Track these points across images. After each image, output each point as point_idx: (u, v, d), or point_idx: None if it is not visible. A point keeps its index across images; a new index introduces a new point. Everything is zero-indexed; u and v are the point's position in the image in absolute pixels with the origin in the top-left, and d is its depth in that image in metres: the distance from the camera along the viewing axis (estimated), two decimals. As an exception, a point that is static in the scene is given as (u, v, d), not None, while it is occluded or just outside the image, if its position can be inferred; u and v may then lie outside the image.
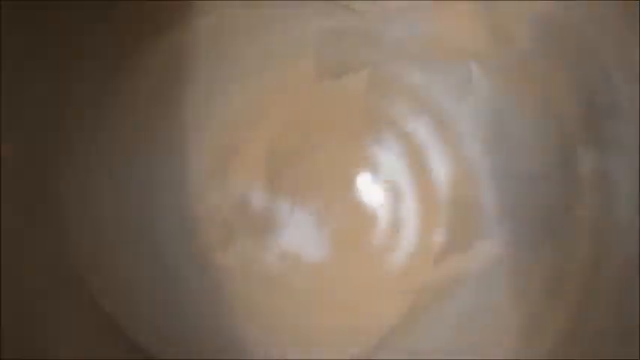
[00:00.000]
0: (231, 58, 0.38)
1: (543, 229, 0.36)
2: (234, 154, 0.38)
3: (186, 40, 0.37)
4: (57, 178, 0.36)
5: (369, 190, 0.38)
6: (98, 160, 0.37)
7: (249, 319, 0.37)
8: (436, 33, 0.37)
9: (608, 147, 0.34)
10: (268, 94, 0.38)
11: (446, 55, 0.37)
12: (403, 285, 0.37)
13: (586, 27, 0.34)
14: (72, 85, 0.36)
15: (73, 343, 0.34)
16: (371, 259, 0.37)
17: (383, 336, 0.37)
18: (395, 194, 0.38)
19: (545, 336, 0.35)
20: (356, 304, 0.37)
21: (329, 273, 0.37)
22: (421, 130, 0.38)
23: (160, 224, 0.37)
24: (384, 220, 0.38)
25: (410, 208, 0.38)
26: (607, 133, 0.34)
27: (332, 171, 0.38)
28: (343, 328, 0.37)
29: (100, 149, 0.37)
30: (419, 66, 0.38)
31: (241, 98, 0.38)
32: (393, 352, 0.37)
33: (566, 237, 0.36)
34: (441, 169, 0.38)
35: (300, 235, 0.37)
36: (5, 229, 0.33)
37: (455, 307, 0.37)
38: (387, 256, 0.37)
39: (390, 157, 0.38)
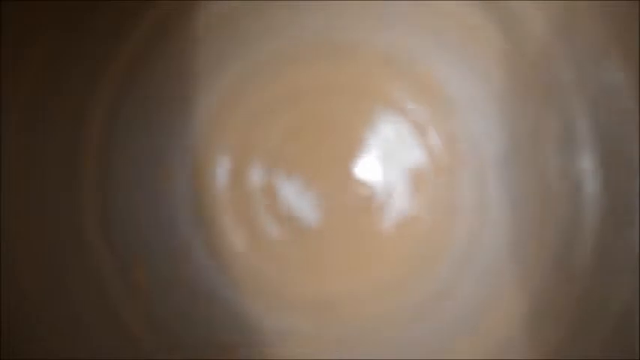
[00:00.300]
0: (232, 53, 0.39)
1: (547, 219, 0.37)
2: (233, 133, 0.39)
3: (190, 38, 0.38)
4: (70, 177, 0.37)
5: (364, 163, 0.39)
6: (103, 160, 0.38)
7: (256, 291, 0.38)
8: (443, 28, 0.38)
9: (612, 145, 0.35)
10: (260, 75, 0.39)
11: (450, 45, 0.38)
12: (395, 252, 0.39)
13: (592, 27, 0.35)
14: (88, 90, 0.37)
15: (78, 343, 0.35)
16: (364, 227, 0.39)
17: (377, 300, 0.38)
18: (388, 167, 0.39)
19: (551, 323, 0.36)
20: (351, 269, 0.39)
21: (324, 239, 0.39)
22: (418, 111, 0.39)
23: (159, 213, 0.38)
24: (378, 193, 0.39)
25: (403, 184, 0.39)
26: (612, 132, 0.35)
27: (328, 146, 0.39)
28: (341, 292, 0.39)
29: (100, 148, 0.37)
30: (424, 49, 0.39)
31: (235, 80, 0.39)
32: (387, 318, 0.38)
33: (569, 225, 0.36)
34: (438, 150, 0.39)
35: (296, 205, 0.39)
36: (6, 227, 0.34)
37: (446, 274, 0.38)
38: (379, 225, 0.39)
39: (386, 132, 0.39)
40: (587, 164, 0.36)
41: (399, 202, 0.39)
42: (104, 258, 0.37)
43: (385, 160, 0.39)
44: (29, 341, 0.33)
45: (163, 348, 0.37)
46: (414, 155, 0.39)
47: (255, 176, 0.39)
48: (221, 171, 0.39)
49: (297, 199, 0.39)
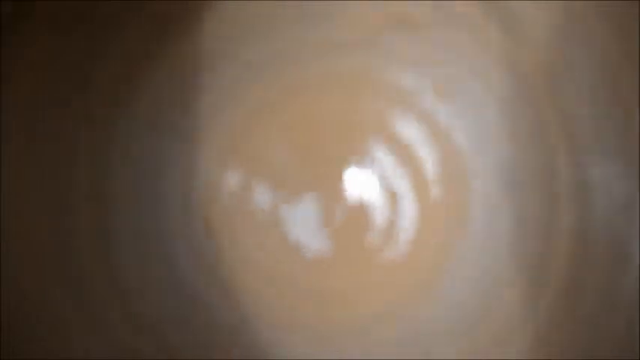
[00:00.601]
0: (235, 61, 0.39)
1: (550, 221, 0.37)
2: (237, 152, 0.39)
3: (196, 46, 0.39)
4: (71, 177, 0.37)
5: (365, 185, 0.39)
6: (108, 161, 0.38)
7: (256, 313, 0.39)
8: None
9: (613, 144, 0.36)
10: (269, 98, 0.40)
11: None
12: (401, 274, 0.39)
13: (592, 28, 0.35)
14: (89, 90, 0.37)
15: (78, 343, 0.35)
16: (369, 251, 0.39)
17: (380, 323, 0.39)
18: (389, 189, 0.39)
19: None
20: (355, 294, 0.39)
21: (329, 266, 0.39)
22: (422, 112, 0.39)
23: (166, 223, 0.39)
24: (380, 214, 0.39)
25: (404, 203, 0.39)
26: (613, 132, 0.35)
27: (329, 168, 0.39)
28: (345, 317, 0.39)
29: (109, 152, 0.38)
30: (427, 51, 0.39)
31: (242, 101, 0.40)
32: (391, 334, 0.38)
33: (571, 227, 0.37)
34: (431, 166, 0.39)
35: (300, 230, 0.39)
36: (6, 227, 0.34)
37: (453, 292, 0.38)
38: (384, 248, 0.39)
39: (382, 156, 0.40)
40: (588, 164, 0.36)
41: (401, 219, 0.39)
42: (103, 259, 0.37)
43: (379, 181, 0.39)
44: (29, 341, 0.34)
45: (163, 349, 0.37)
46: (407, 173, 0.39)
47: (256, 199, 0.39)
48: (222, 173, 0.39)
49: (298, 216, 0.39)
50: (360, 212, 0.39)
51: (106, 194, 0.38)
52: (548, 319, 0.36)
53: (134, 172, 0.38)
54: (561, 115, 0.37)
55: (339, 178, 0.39)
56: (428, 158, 0.39)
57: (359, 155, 0.39)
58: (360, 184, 0.39)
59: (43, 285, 0.35)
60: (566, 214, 0.37)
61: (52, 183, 0.36)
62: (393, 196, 0.39)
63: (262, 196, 0.39)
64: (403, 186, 0.39)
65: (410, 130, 0.39)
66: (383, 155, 0.39)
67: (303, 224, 0.39)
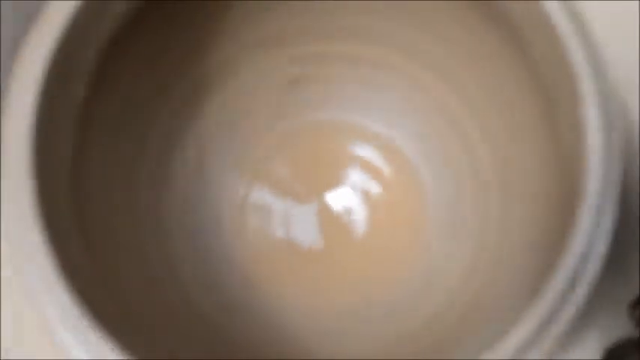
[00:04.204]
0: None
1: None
2: (259, 176, 0.46)
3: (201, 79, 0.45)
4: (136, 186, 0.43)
5: (347, 198, 0.47)
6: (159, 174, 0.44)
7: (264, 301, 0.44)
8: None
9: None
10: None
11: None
12: (378, 262, 0.45)
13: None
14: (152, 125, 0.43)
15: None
16: (352, 246, 0.45)
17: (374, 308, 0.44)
18: (365, 199, 0.46)
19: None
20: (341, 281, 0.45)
21: (323, 260, 0.45)
22: (379, 160, 0.47)
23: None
24: (359, 218, 0.46)
25: (377, 210, 0.46)
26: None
27: (322, 185, 0.47)
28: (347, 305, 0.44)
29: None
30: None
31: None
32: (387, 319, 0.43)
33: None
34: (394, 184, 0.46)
35: (299, 228, 0.45)
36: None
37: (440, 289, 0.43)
38: (363, 244, 0.46)
39: (359, 177, 0.47)
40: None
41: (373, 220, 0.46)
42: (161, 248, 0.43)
43: (359, 194, 0.46)
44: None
45: (195, 310, 0.42)
46: (384, 178, 0.46)
47: (262, 201, 0.46)
48: (247, 190, 0.46)
49: (298, 222, 0.45)
50: (345, 216, 0.46)
51: (161, 202, 0.44)
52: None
53: (185, 186, 0.44)
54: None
55: (328, 192, 0.46)
56: (392, 178, 0.46)
57: (344, 176, 0.47)
58: (344, 196, 0.46)
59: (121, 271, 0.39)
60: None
61: (115, 184, 0.41)
62: (368, 203, 0.46)
63: (273, 205, 0.46)
64: (376, 197, 0.46)
65: (378, 159, 0.46)
66: (360, 177, 0.47)
67: (302, 225, 0.45)
